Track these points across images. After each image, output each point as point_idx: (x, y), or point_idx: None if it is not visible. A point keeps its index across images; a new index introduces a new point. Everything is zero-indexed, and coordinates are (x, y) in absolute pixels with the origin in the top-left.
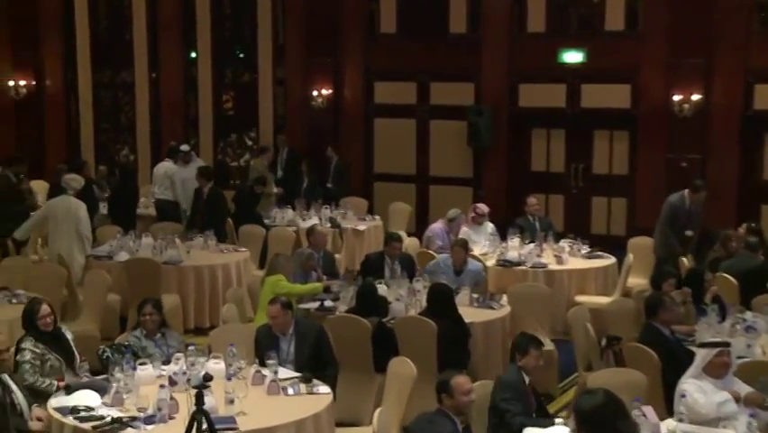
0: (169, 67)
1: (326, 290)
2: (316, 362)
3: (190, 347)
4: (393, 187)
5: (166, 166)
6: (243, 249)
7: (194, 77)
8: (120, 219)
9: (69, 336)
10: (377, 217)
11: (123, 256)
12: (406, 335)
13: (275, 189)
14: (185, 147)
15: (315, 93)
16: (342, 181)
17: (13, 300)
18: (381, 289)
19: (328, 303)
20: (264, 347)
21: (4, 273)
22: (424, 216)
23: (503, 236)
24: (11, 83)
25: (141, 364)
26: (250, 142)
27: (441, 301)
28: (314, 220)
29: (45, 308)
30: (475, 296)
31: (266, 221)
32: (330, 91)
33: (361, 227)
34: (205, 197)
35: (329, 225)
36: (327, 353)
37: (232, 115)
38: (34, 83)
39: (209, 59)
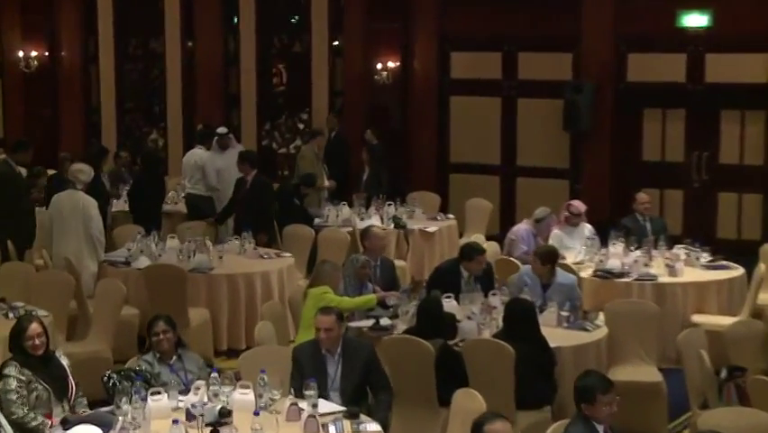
0: (207, 34)
1: (382, 304)
2: (366, 389)
3: (213, 373)
4: (472, 179)
5: (197, 154)
6: (287, 254)
7: (235, 46)
8: (142, 217)
9: (65, 361)
10: (450, 216)
11: (143, 262)
12: (476, 361)
13: (327, 182)
14: (222, 129)
15: (378, 65)
16: (381, 172)
17: (10, 315)
18: (449, 304)
19: (385, 321)
20: (306, 370)
21: (3, 282)
22: (509, 215)
23: (603, 241)
24: (20, 53)
25: (153, 394)
26: (301, 125)
27: (520, 321)
28: (374, 220)
29: (35, 328)
30: (564, 314)
31: (316, 220)
32: (397, 63)
33: (431, 229)
34: (248, 187)
35: (392, 225)
36: (381, 377)
37: (280, 91)
38: (47, 54)
39: (253, 25)
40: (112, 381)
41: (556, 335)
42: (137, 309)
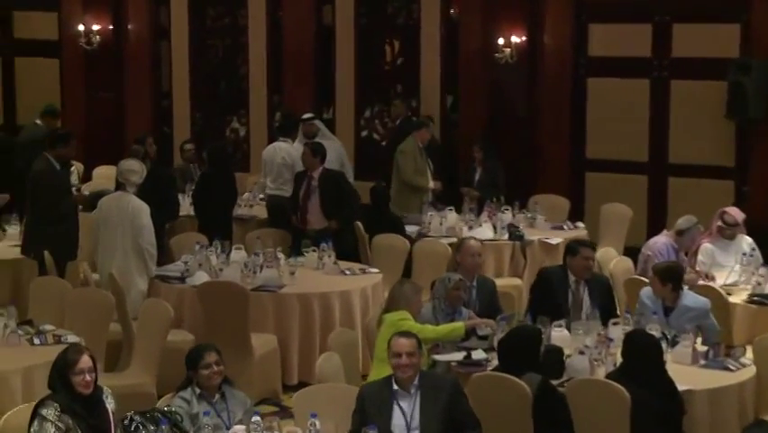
0: (296, 4)
1: (472, 333)
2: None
3: (255, 417)
4: (612, 179)
5: (283, 149)
6: (374, 270)
7: (329, 19)
8: (208, 223)
9: (111, 405)
10: (580, 225)
11: (200, 278)
12: (583, 405)
13: (431, 183)
14: (307, 114)
15: (500, 41)
16: (497, 171)
17: (36, 341)
18: (559, 335)
19: (478, 354)
20: (370, 411)
21: (35, 301)
22: (657, 223)
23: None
24: (81, 27)
25: None
26: (408, 113)
27: (639, 358)
28: (484, 229)
29: (86, 361)
30: (701, 349)
31: (414, 228)
32: (522, 38)
33: (554, 240)
34: (316, 184)
35: (506, 235)
36: (468, 414)
37: (383, 72)
38: (111, 27)
39: None
40: (134, 424)
41: (687, 374)
42: (192, 335)
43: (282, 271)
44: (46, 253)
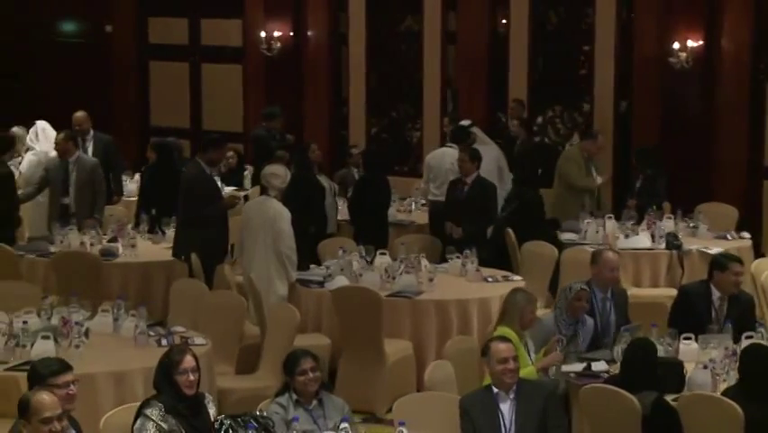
0: (471, 8)
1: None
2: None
3: (343, 424)
4: None
5: (450, 154)
6: (517, 277)
7: (504, 24)
8: (363, 228)
9: (213, 410)
10: (745, 235)
11: (339, 283)
12: (695, 422)
13: (598, 179)
14: (465, 121)
15: (675, 45)
16: (658, 178)
17: (163, 342)
18: (688, 348)
19: (599, 366)
20: (479, 422)
21: (175, 303)
22: None
23: None
24: (262, 34)
25: None
26: (580, 118)
27: (754, 374)
28: (642, 238)
29: (190, 361)
30: None
31: (568, 235)
32: (699, 43)
33: (714, 250)
34: (465, 190)
35: (664, 245)
36: (558, 421)
37: (554, 77)
38: (291, 34)
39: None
40: (224, 427)
41: None
42: (329, 339)
43: (422, 278)
44: (193, 255)
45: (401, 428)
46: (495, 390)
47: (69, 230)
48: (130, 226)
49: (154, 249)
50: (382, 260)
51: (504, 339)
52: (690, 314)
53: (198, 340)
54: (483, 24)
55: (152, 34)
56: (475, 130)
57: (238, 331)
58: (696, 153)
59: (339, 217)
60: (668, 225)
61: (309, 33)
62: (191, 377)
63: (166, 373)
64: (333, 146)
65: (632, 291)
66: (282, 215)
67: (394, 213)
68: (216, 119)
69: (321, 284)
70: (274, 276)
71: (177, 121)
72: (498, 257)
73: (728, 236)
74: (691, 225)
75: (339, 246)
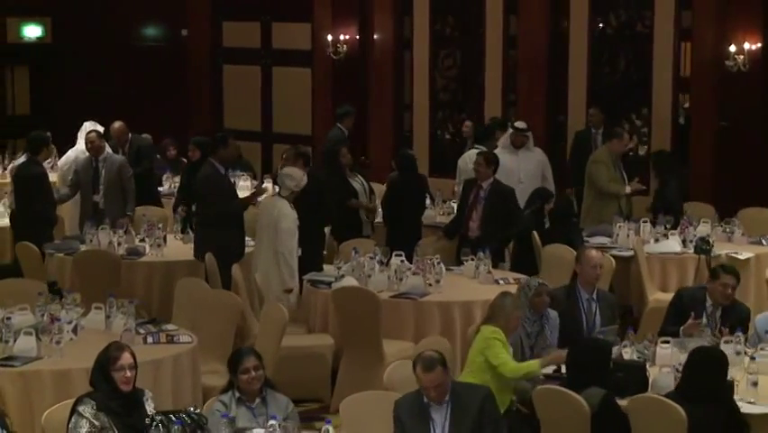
0: (532, 13)
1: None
2: None
3: (271, 421)
4: None
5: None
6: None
7: (564, 29)
8: (397, 230)
9: (151, 407)
10: None
11: (347, 283)
12: (641, 423)
13: (627, 188)
14: (521, 124)
15: (732, 48)
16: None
17: (149, 340)
18: (665, 351)
19: None
20: (410, 421)
21: (178, 302)
22: None
23: None
24: (329, 38)
25: None
26: (639, 122)
27: (702, 376)
28: (672, 242)
29: (127, 358)
30: None
31: (599, 239)
32: (757, 45)
33: (744, 255)
34: (484, 195)
35: (692, 249)
36: (495, 427)
37: (614, 81)
38: (358, 38)
39: (587, 3)
40: (154, 424)
41: None
42: (332, 339)
43: (429, 279)
44: (208, 255)
45: (327, 426)
46: (426, 399)
47: (101, 229)
48: (161, 226)
49: (183, 249)
50: (397, 261)
51: (428, 367)
52: (681, 316)
53: (184, 338)
54: (543, 27)
55: (226, 38)
56: (530, 134)
57: (232, 330)
58: (752, 157)
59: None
60: (704, 229)
61: (375, 37)
62: (128, 373)
63: (102, 370)
64: (397, 149)
65: (657, 296)
66: (286, 215)
67: (434, 215)
68: (286, 122)
69: (330, 285)
70: (274, 276)
71: (248, 124)
72: (524, 259)
73: (763, 242)
74: (728, 229)
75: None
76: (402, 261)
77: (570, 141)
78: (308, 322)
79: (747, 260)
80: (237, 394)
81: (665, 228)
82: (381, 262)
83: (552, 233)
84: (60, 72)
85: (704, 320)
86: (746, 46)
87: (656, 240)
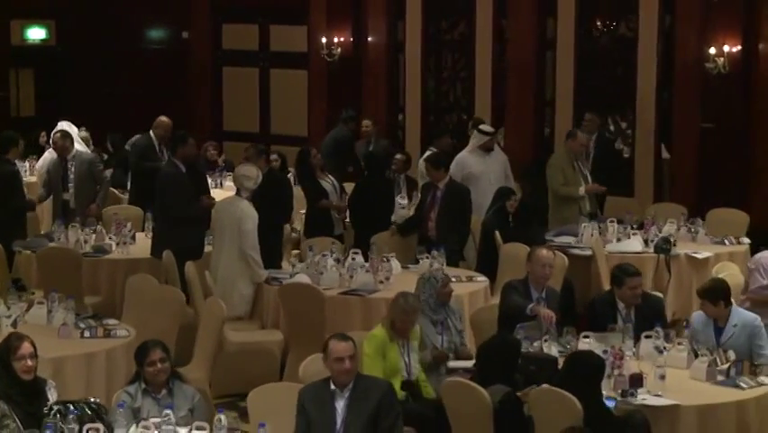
0: (520, 13)
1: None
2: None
3: (166, 411)
4: None
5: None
6: (482, 278)
7: (552, 32)
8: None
9: (53, 396)
10: (744, 241)
11: (299, 280)
12: (543, 414)
13: (581, 190)
14: (487, 127)
15: (712, 50)
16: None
17: (86, 334)
18: (586, 346)
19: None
20: (315, 410)
21: (128, 297)
22: None
23: None
24: (323, 39)
25: (90, 431)
26: (624, 125)
27: (575, 379)
28: (634, 242)
29: (27, 347)
30: (723, 367)
31: (564, 239)
32: (737, 48)
33: (702, 255)
34: (440, 194)
35: (651, 249)
36: (392, 423)
37: (597, 84)
38: (351, 40)
39: (573, 7)
40: (53, 412)
41: (694, 391)
42: (282, 335)
43: (378, 277)
44: (166, 252)
45: (219, 415)
46: (332, 385)
47: (71, 227)
48: (129, 224)
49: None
50: (356, 259)
51: (344, 338)
52: (597, 324)
53: (121, 332)
54: (532, 32)
55: (225, 40)
56: (498, 137)
57: (175, 325)
58: (732, 159)
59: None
60: (669, 229)
61: (369, 40)
62: (29, 363)
63: (3, 360)
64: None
65: None
66: (249, 215)
67: (406, 215)
68: (283, 123)
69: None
70: (237, 275)
71: (247, 125)
72: (487, 257)
73: (726, 242)
74: (692, 229)
75: (318, 246)
76: (353, 258)
77: (559, 142)
78: (262, 318)
79: (706, 259)
80: (143, 385)
81: (631, 228)
82: (338, 260)
83: (514, 232)
84: (65, 74)
85: (620, 323)
86: (726, 48)
87: (618, 239)
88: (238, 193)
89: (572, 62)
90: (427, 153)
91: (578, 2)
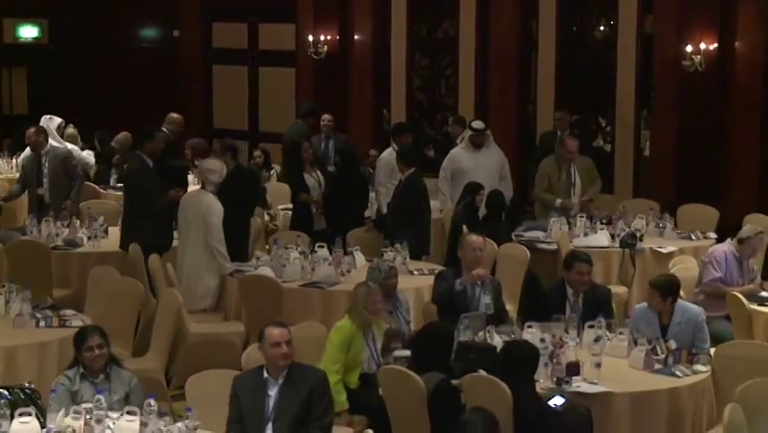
0: (503, 13)
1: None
2: (303, 420)
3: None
4: None
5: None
6: (441, 268)
7: (533, 30)
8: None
9: None
10: (711, 236)
11: (261, 272)
12: (475, 400)
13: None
14: (478, 124)
15: (689, 48)
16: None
17: (42, 324)
18: (530, 335)
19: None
20: (247, 398)
21: (91, 289)
22: None
23: None
24: (310, 37)
25: (21, 416)
26: (604, 123)
27: (514, 366)
28: (600, 236)
29: None
30: (660, 356)
31: (533, 234)
32: (713, 46)
33: (666, 249)
34: (401, 187)
35: (617, 244)
36: (321, 412)
37: (581, 84)
38: (338, 38)
39: (554, 6)
40: None
41: (629, 378)
42: (243, 327)
43: (341, 269)
44: (132, 246)
45: (149, 399)
46: (265, 374)
47: (45, 221)
48: (102, 219)
49: None
50: (321, 253)
51: (280, 324)
52: (545, 310)
53: (77, 322)
54: (512, 25)
55: (215, 39)
56: (489, 133)
57: (134, 316)
58: (709, 155)
59: None
60: (638, 224)
61: (355, 38)
62: None
63: None
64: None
65: None
66: (214, 209)
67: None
68: (272, 121)
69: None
70: (203, 267)
71: (236, 123)
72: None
73: (692, 237)
74: (660, 224)
75: (284, 239)
76: (315, 251)
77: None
78: (226, 310)
79: (670, 253)
80: (81, 370)
81: (600, 223)
82: (303, 253)
83: (481, 226)
84: (57, 72)
85: (568, 310)
86: (703, 46)
87: (586, 234)
88: (203, 187)
89: (554, 62)
90: (389, 149)
91: (559, 3)
